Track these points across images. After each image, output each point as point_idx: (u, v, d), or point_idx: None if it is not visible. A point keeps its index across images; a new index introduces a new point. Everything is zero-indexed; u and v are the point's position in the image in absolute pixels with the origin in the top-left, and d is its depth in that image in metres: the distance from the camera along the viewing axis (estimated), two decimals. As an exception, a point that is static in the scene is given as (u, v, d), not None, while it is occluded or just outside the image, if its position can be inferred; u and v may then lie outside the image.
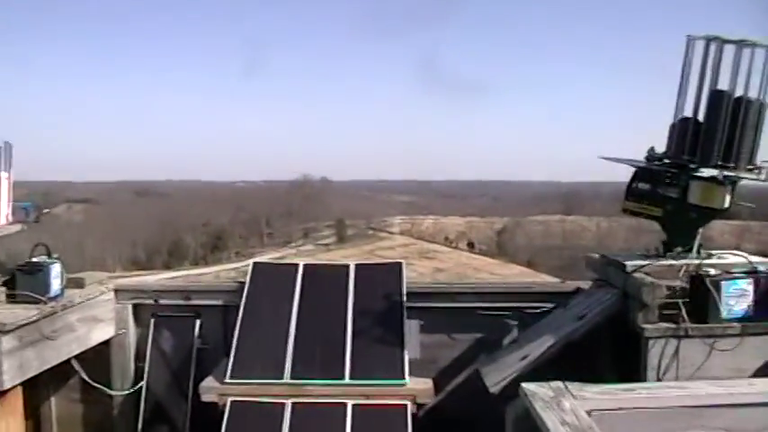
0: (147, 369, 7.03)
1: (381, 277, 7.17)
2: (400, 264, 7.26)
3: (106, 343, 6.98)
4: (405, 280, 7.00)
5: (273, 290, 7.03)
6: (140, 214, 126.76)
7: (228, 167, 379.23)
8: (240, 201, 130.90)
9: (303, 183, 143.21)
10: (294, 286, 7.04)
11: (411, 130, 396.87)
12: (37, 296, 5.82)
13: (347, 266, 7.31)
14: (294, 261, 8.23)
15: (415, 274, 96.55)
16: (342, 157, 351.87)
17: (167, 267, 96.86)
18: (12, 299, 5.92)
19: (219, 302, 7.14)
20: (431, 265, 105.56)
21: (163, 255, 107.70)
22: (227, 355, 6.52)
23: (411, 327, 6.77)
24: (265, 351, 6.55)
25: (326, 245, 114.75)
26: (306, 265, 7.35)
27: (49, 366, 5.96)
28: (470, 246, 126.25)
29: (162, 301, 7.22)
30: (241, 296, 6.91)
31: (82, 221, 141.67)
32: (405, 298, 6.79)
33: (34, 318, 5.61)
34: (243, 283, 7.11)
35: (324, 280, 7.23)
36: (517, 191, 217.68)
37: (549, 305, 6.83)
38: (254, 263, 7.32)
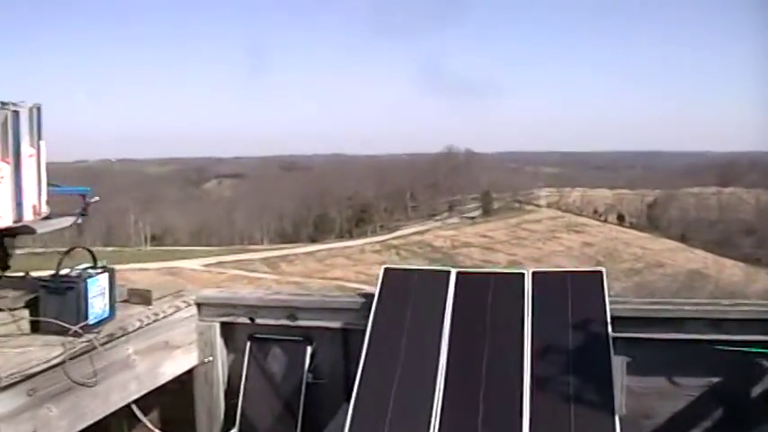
0: (240, 408, 5.47)
1: (572, 292, 5.11)
2: (600, 273, 5.12)
3: (187, 373, 5.43)
4: (608, 299, 4.90)
5: (414, 309, 5.18)
6: (286, 188, 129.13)
7: (372, 141, 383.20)
8: (384, 174, 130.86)
9: (447, 155, 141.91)
10: (444, 305, 5.10)
11: (551, 99, 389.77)
12: (65, 324, 4.05)
13: (521, 275, 5.23)
14: (444, 267, 5.68)
15: (563, 248, 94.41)
16: (487, 128, 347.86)
17: (313, 241, 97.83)
18: (36, 328, 4.18)
19: (337, 324, 5.46)
20: (579, 239, 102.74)
21: (309, 228, 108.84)
22: (348, 398, 4.89)
23: (615, 367, 4.71)
24: (401, 402, 4.75)
25: (472, 218, 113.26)
26: (460, 274, 5.33)
27: (86, 425, 4.23)
28: (620, 219, 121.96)
29: (261, 320, 5.58)
30: (367, 315, 5.13)
31: (231, 196, 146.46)
32: (609, 325, 4.75)
33: (56, 359, 3.87)
34: (370, 296, 5.31)
35: (486, 295, 5.19)
36: (668, 161, 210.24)
37: None
38: (386, 269, 5.49)
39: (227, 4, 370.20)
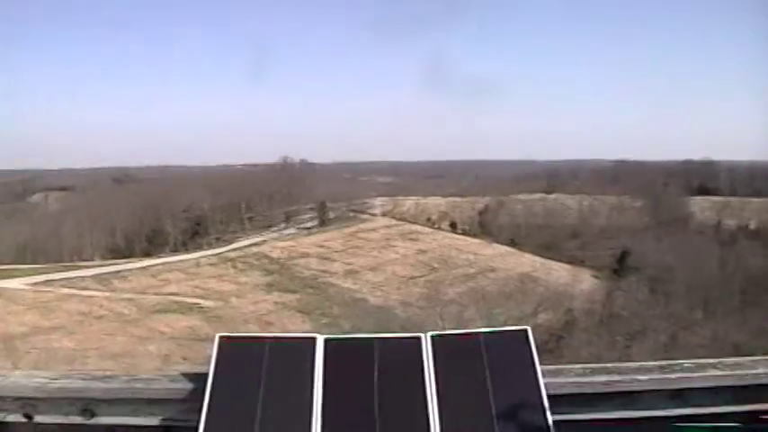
0: None
1: (491, 362, 4.11)
2: (525, 333, 4.35)
3: None
4: (539, 369, 4.03)
5: (267, 395, 3.88)
6: (118, 201, 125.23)
7: (207, 152, 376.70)
8: (220, 185, 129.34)
9: (283, 166, 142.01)
10: (311, 386, 3.88)
11: (389, 111, 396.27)
12: None
13: (416, 340, 4.13)
14: (308, 334, 4.37)
15: (399, 256, 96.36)
16: (322, 139, 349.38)
17: (147, 255, 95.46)
18: None
19: (155, 420, 4.11)
20: (414, 246, 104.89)
21: (142, 242, 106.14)
22: None
23: None
24: None
25: (309, 228, 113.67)
26: (329, 341, 4.20)
27: None
28: (453, 226, 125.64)
29: (42, 418, 4.06)
30: (198, 407, 3.86)
31: (59, 210, 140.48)
32: (546, 405, 3.80)
33: None
34: (202, 377, 4.06)
35: (369, 371, 3.96)
36: (497, 170, 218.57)
37: None
38: (222, 338, 4.25)
39: None
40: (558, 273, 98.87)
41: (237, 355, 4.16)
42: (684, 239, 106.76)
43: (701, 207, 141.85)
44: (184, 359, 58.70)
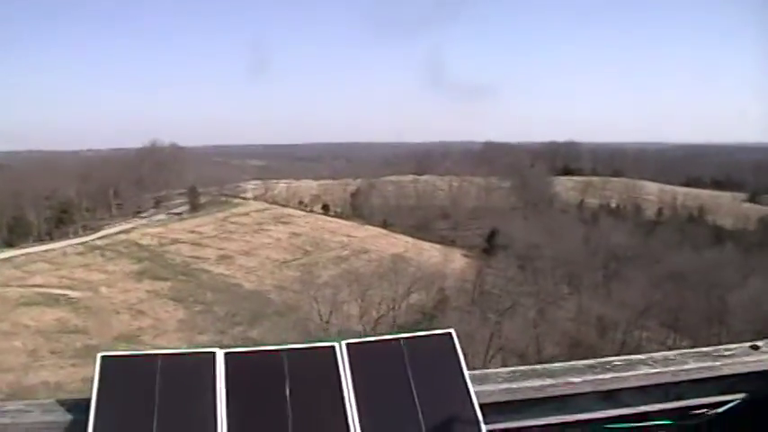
0: None
1: (414, 370, 3.80)
2: (449, 335, 3.98)
3: None
4: (467, 375, 3.78)
5: (162, 422, 3.44)
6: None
7: (73, 135, 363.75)
8: (86, 170, 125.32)
9: (152, 149, 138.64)
10: (214, 407, 3.50)
11: (260, 92, 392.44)
12: None
13: (329, 349, 3.81)
14: (207, 349, 3.66)
15: (272, 240, 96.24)
16: (192, 121, 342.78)
17: (9, 245, 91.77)
18: None
19: None
20: (287, 230, 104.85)
21: (2, 232, 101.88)
22: None
23: None
24: None
25: (179, 214, 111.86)
26: (231, 355, 3.73)
27: None
28: (325, 209, 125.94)
29: None
30: None
31: None
32: (479, 414, 3.60)
33: None
34: (81, 404, 3.59)
35: (280, 384, 3.64)
36: (369, 152, 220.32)
37: (734, 397, 4.13)
38: (104, 358, 3.71)
39: None
40: (429, 253, 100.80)
41: (124, 376, 3.61)
42: (550, 218, 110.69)
43: (565, 187, 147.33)
44: (53, 353, 57.32)
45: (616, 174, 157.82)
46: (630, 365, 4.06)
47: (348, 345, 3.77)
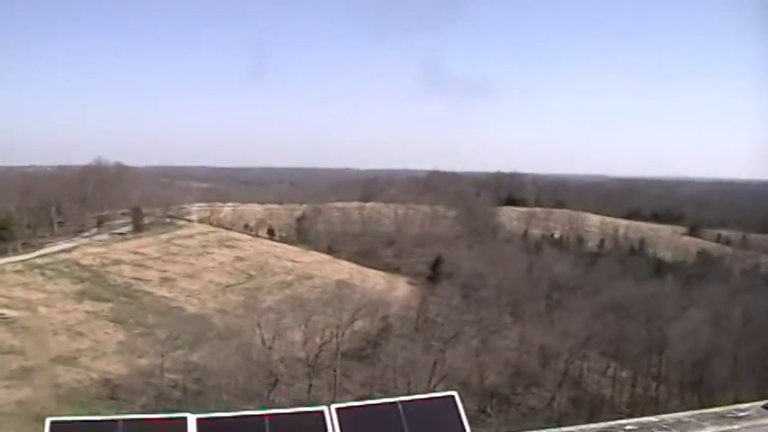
0: None
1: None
2: (452, 398, 3.93)
3: None
4: None
5: None
6: None
7: (15, 152, 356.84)
8: (28, 187, 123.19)
9: (97, 168, 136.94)
10: None
11: (207, 115, 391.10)
12: None
13: (317, 415, 3.46)
14: (179, 414, 3.30)
15: (216, 263, 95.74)
16: (137, 141, 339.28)
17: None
18: None
19: None
20: (232, 254, 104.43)
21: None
22: None
23: None
24: None
25: (122, 234, 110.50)
26: (203, 421, 3.37)
27: None
28: (270, 233, 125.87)
29: None
30: None
31: None
32: None
33: None
34: None
35: None
36: (315, 177, 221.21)
37: None
38: (53, 422, 3.47)
39: None
40: (374, 280, 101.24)
41: None
42: (494, 247, 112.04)
43: (509, 217, 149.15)
44: (-14, 374, 56.16)
45: (559, 205, 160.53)
46: (643, 429, 3.76)
47: (339, 410, 3.56)
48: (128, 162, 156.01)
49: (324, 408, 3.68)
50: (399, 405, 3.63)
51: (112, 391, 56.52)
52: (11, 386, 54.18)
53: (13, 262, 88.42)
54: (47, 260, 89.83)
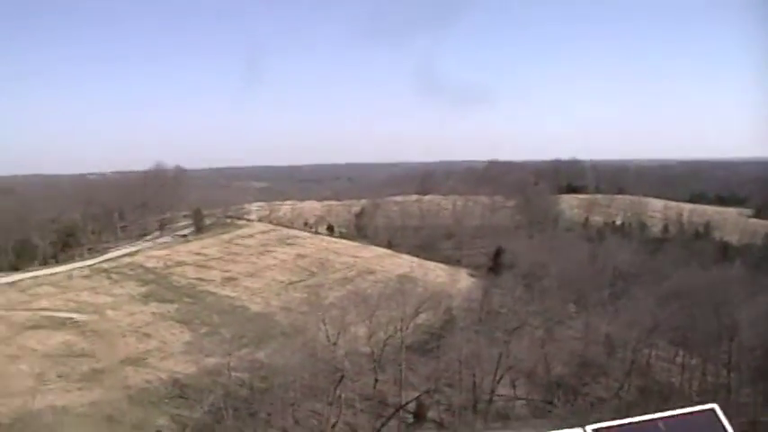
0: None
1: None
2: (713, 411, 3.50)
3: None
4: None
5: None
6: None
7: (77, 159, 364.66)
8: (91, 194, 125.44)
9: (157, 172, 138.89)
10: None
11: (254, 116, 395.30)
12: None
13: None
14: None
15: (277, 262, 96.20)
16: (195, 144, 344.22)
17: (15, 269, 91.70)
18: None
19: None
20: (292, 251, 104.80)
21: (9, 255, 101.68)
22: None
23: None
24: None
25: (184, 236, 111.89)
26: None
27: None
28: (330, 230, 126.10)
29: None
30: None
31: None
32: None
33: None
34: None
35: None
36: (371, 172, 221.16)
37: None
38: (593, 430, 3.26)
39: None
40: (435, 273, 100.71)
41: None
42: (555, 236, 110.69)
43: (569, 205, 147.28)
44: (59, 376, 57.08)
45: (620, 191, 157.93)
46: None
47: (595, 431, 3.29)
48: (186, 165, 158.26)
49: (578, 430, 3.33)
50: (660, 422, 3.28)
51: (181, 391, 56.95)
52: (83, 388, 55.06)
53: (80, 267, 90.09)
54: (112, 264, 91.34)
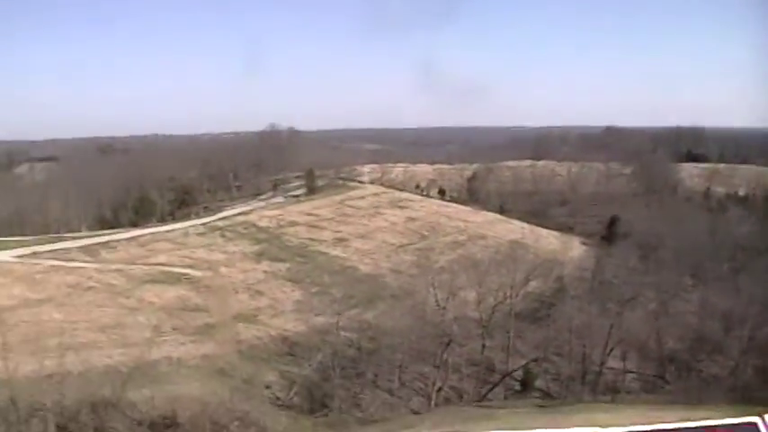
0: None
1: None
2: (755, 425, 3.69)
3: None
4: None
5: None
6: (104, 172, 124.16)
7: (192, 120, 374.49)
8: (206, 154, 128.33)
9: (270, 133, 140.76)
10: None
11: (368, 78, 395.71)
12: None
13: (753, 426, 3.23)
14: None
15: (388, 224, 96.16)
16: (308, 105, 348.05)
17: (134, 225, 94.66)
18: None
19: None
20: (403, 214, 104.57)
21: (129, 212, 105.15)
22: None
23: None
24: None
25: (296, 196, 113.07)
26: None
27: None
28: (441, 193, 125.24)
29: None
30: None
31: (45, 180, 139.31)
32: None
33: None
34: None
35: None
36: (484, 136, 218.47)
37: None
38: None
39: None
40: (547, 240, 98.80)
41: None
42: (673, 206, 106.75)
43: (689, 174, 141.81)
44: (174, 329, 58.48)
45: (744, 161, 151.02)
46: None
47: None
48: (300, 127, 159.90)
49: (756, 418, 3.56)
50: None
51: (290, 348, 57.54)
52: (196, 341, 56.27)
53: (196, 225, 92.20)
54: (226, 223, 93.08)
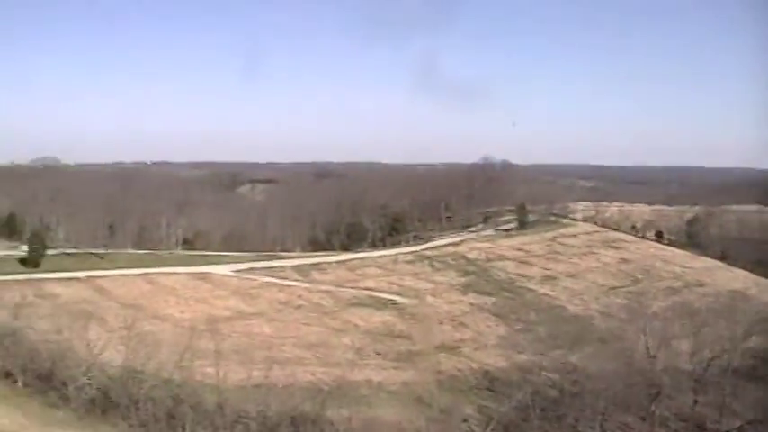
0: None
1: None
2: None
3: None
4: None
5: None
6: (320, 195, 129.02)
7: (408, 150, 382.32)
8: (419, 184, 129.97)
9: (483, 166, 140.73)
10: None
11: (584, 111, 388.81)
12: None
13: None
14: None
15: (600, 264, 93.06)
16: (522, 139, 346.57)
17: (345, 249, 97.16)
18: None
19: None
20: (616, 255, 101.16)
21: (341, 236, 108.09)
22: None
23: None
24: None
25: (507, 230, 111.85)
26: None
27: None
28: (658, 236, 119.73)
29: None
30: None
31: (264, 201, 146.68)
32: None
33: None
34: None
35: None
36: (706, 177, 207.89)
37: None
38: None
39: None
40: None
41: None
42: None
43: None
44: (377, 353, 58.95)
45: None
46: None
47: None
48: (513, 160, 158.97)
49: None
50: None
51: (490, 383, 56.37)
52: (398, 367, 56.50)
53: (405, 253, 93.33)
54: (435, 252, 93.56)
